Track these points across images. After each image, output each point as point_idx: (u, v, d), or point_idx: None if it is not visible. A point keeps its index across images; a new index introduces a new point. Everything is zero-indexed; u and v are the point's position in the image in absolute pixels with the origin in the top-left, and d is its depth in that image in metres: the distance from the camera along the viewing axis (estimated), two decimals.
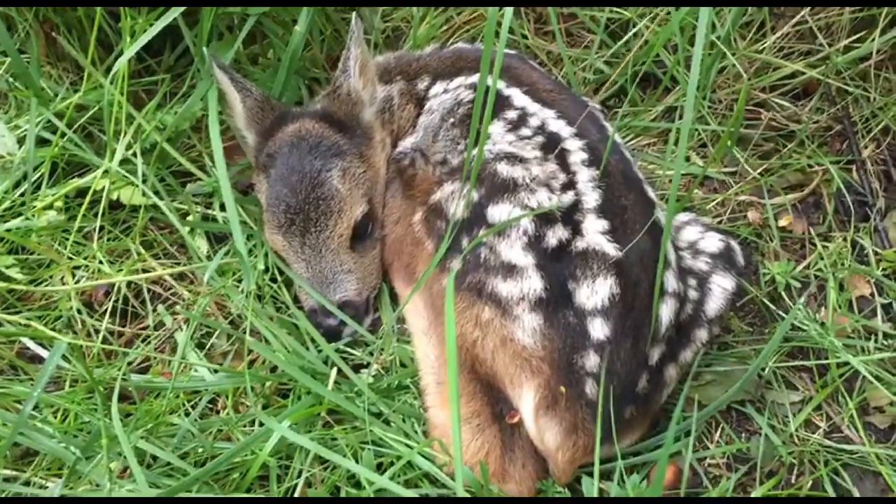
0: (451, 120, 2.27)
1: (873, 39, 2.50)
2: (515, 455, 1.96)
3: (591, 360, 1.90)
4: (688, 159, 2.64)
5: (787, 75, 2.67)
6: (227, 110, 2.41)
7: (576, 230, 1.99)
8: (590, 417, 1.91)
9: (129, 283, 2.33)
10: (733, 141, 2.56)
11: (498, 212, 2.02)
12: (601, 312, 1.91)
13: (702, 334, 2.11)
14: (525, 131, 2.18)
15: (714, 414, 2.13)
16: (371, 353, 2.23)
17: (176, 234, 2.45)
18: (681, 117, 2.68)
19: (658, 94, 2.73)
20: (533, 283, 1.93)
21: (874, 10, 2.55)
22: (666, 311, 1.99)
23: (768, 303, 2.35)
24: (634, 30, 2.68)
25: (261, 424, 2.05)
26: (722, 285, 2.14)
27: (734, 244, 2.24)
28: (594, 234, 1.98)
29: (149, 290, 2.35)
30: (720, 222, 2.48)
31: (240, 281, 2.30)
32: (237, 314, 2.27)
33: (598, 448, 1.85)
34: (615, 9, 2.75)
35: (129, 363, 2.22)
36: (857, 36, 2.61)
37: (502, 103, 2.23)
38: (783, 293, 2.37)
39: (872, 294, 2.38)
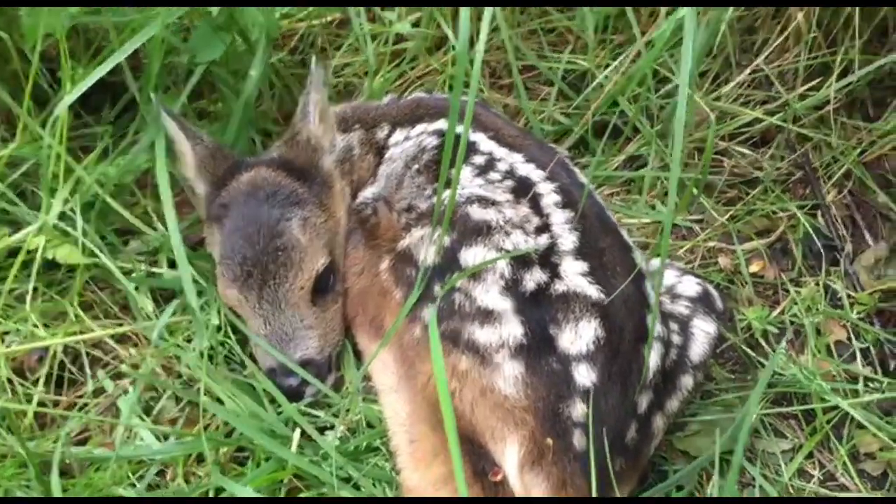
0: (416, 167, 2.17)
1: (829, 85, 2.51)
2: None
3: (578, 410, 1.77)
4: (653, 207, 2.59)
5: (745, 123, 2.67)
6: (175, 162, 2.26)
7: (554, 273, 1.89)
8: (579, 472, 1.77)
9: (65, 348, 2.12)
10: (700, 188, 2.52)
11: (472, 255, 1.91)
12: (586, 357, 1.79)
13: (687, 381, 2.00)
14: (494, 175, 2.09)
15: (704, 465, 2.01)
16: (335, 414, 2.05)
17: (118, 295, 2.27)
18: (643, 166, 2.64)
19: (619, 143, 2.69)
20: (512, 329, 1.81)
21: (828, 57, 2.58)
22: (654, 356, 1.89)
23: (748, 349, 2.27)
24: (594, 83, 2.66)
25: (217, 494, 1.86)
26: (704, 329, 2.05)
27: (711, 288, 2.16)
28: (574, 276, 1.88)
29: (88, 355, 2.14)
30: (691, 269, 2.41)
31: (190, 340, 2.12)
32: (187, 378, 2.08)
33: None
34: (573, 59, 2.72)
35: (66, 434, 2.00)
36: (812, 84, 2.63)
37: (469, 148, 2.14)
38: (761, 339, 2.30)
39: (849, 338, 2.32)
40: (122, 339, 2.19)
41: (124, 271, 2.24)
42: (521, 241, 1.92)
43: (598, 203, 2.13)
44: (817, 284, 2.42)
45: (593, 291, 1.85)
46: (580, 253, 1.92)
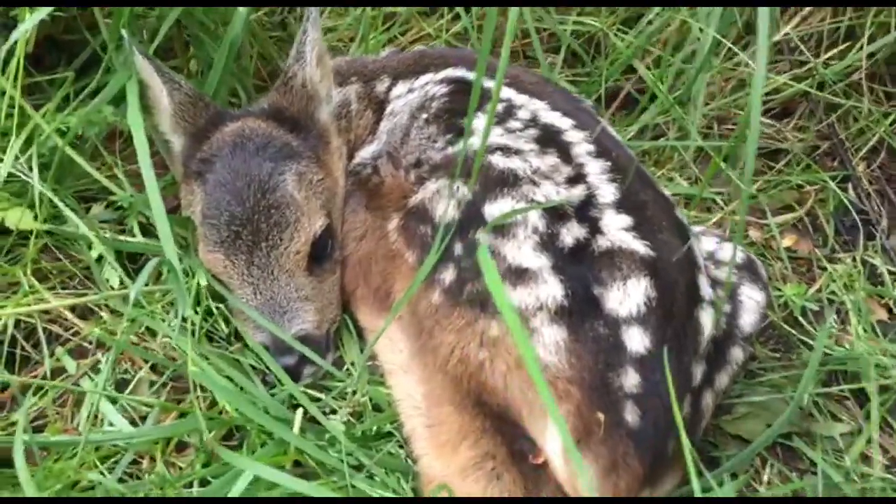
0: (424, 116, 1.92)
1: (860, 48, 2.34)
2: None
3: (631, 379, 1.52)
4: (671, 180, 2.38)
5: (767, 92, 2.48)
6: (148, 113, 1.97)
7: (594, 227, 1.65)
8: (632, 451, 1.52)
9: (17, 322, 1.81)
10: (727, 162, 2.31)
11: (497, 208, 1.66)
12: (637, 320, 1.55)
13: (737, 354, 1.77)
14: (514, 124, 1.85)
15: (759, 451, 1.77)
16: (338, 397, 1.77)
17: (78, 265, 1.96)
18: (658, 136, 2.43)
19: (634, 113, 2.48)
20: (551, 289, 1.56)
21: (854, 20, 2.41)
22: (706, 321, 1.65)
23: (788, 327, 2.06)
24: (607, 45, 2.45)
25: (203, 485, 1.55)
26: (753, 297, 1.83)
27: (754, 257, 1.95)
28: (617, 230, 1.64)
29: (45, 331, 1.83)
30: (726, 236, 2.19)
31: (168, 312, 1.82)
32: (160, 360, 1.77)
33: None
34: (581, 21, 2.50)
35: (14, 423, 1.68)
36: (836, 50, 2.46)
37: (484, 96, 1.90)
38: (800, 317, 2.09)
39: (892, 317, 2.13)
40: (83, 313, 1.88)
41: (86, 240, 1.94)
42: (553, 193, 1.68)
43: (631, 155, 1.90)
44: (854, 260, 2.23)
45: (640, 247, 1.61)
46: (622, 206, 1.68)
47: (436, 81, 2.00)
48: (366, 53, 2.51)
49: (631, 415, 1.52)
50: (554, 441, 1.53)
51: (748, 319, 1.80)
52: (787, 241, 2.25)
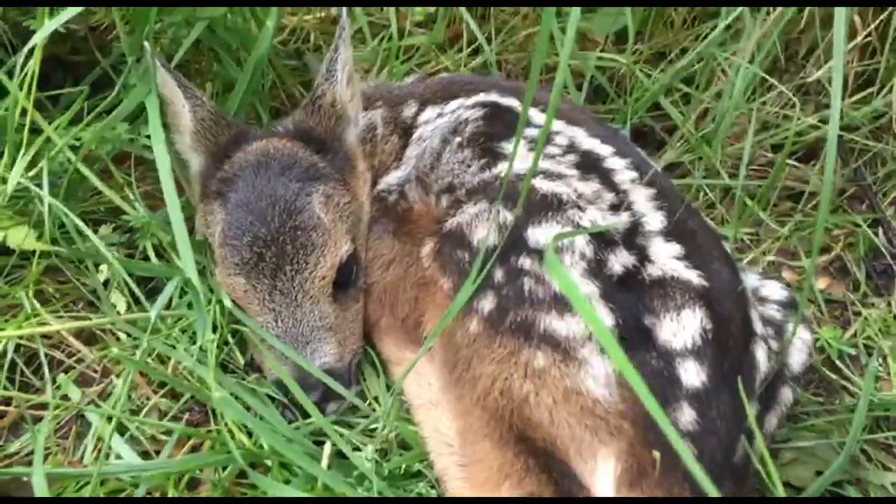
0: (458, 140, 1.84)
1: (890, 90, 2.30)
2: None
3: (686, 416, 1.43)
4: None
5: (794, 134, 2.43)
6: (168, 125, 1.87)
7: (643, 255, 1.57)
8: (688, 494, 1.41)
9: (17, 346, 1.67)
10: (759, 204, 2.24)
11: (542, 233, 1.57)
12: (693, 353, 1.46)
13: (787, 394, 1.67)
14: (552, 150, 1.78)
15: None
16: (362, 433, 1.65)
17: (83, 289, 1.84)
18: (684, 176, 2.37)
19: (654, 150, 2.43)
20: (600, 318, 1.47)
21: (880, 63, 2.38)
22: (761, 357, 1.57)
23: (827, 371, 1.97)
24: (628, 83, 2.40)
25: None
26: (802, 337, 1.73)
27: (796, 295, 1.88)
28: (667, 259, 1.56)
29: (47, 357, 1.70)
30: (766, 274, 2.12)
31: (177, 340, 1.70)
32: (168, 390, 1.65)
33: None
34: (606, 57, 2.45)
35: (13, 454, 1.55)
36: (864, 93, 2.43)
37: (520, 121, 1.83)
38: (837, 361, 2.01)
39: None
40: (88, 339, 1.75)
41: (94, 261, 1.82)
42: (600, 218, 1.60)
43: (672, 184, 1.83)
44: (888, 305, 2.15)
45: (693, 276, 1.53)
46: (671, 234, 1.60)
47: (468, 106, 1.93)
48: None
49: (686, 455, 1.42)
50: (604, 480, 1.42)
51: (797, 359, 1.70)
52: (821, 284, 2.18)
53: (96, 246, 1.80)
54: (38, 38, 1.62)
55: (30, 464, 1.53)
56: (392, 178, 1.94)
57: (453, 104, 1.97)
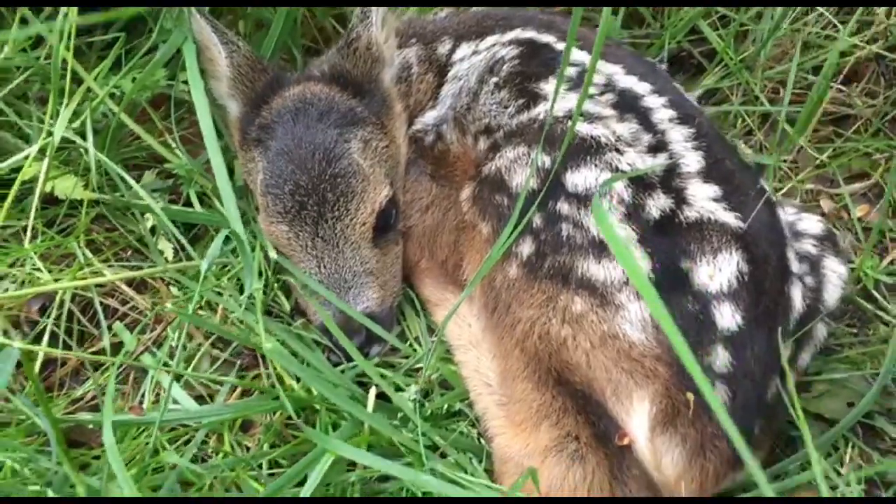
0: (495, 80, 1.83)
1: None
2: (628, 488, 1.48)
3: (721, 358, 1.47)
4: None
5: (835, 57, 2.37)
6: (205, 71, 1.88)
7: (680, 198, 1.57)
8: (721, 433, 1.46)
9: (73, 296, 1.74)
10: (797, 129, 2.21)
11: (581, 178, 1.58)
12: (729, 296, 1.48)
13: (821, 331, 1.70)
14: (590, 89, 1.77)
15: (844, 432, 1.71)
16: (406, 374, 1.71)
17: (132, 237, 1.90)
18: (722, 102, 2.34)
19: (693, 76, 2.39)
20: (637, 264, 1.49)
21: None
22: (797, 297, 1.59)
23: (863, 301, 1.98)
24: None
25: (272, 468, 1.50)
26: (836, 271, 1.74)
27: (832, 227, 1.88)
28: (705, 200, 1.57)
29: (102, 305, 1.77)
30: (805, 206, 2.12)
31: (224, 288, 1.76)
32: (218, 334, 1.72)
33: None
34: None
35: (78, 400, 1.63)
36: None
37: (557, 59, 1.82)
38: (873, 291, 2.02)
39: None
40: (138, 286, 1.82)
41: (142, 209, 1.87)
42: (639, 161, 1.60)
43: (711, 120, 1.82)
44: None
45: (731, 219, 1.54)
46: (709, 175, 1.61)
47: (503, 43, 1.91)
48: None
49: (721, 395, 1.46)
50: (640, 421, 1.47)
51: (832, 294, 1.72)
52: (859, 212, 2.17)
53: (140, 195, 1.87)
54: None
55: (93, 409, 1.63)
56: (428, 118, 1.94)
57: (489, 40, 1.95)
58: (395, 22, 1.95)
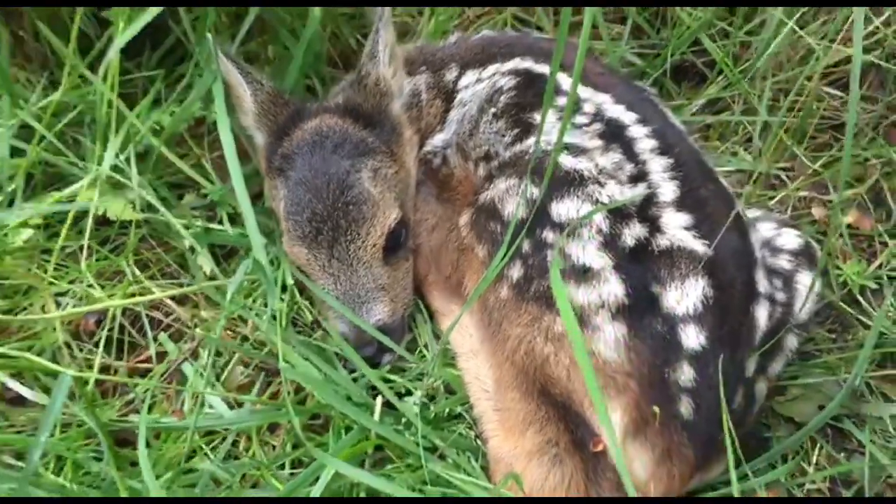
0: (493, 111, 2.00)
1: None
2: (602, 488, 1.68)
3: (686, 374, 1.64)
4: (735, 154, 2.42)
5: (834, 63, 2.46)
6: (232, 109, 2.10)
7: (654, 226, 1.73)
8: (686, 441, 1.64)
9: (123, 310, 2.00)
10: (795, 137, 2.33)
11: (564, 208, 1.75)
12: (694, 318, 1.65)
13: (792, 341, 1.85)
14: (580, 119, 1.92)
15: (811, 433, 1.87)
16: (413, 380, 1.93)
17: (173, 254, 2.14)
18: (722, 110, 2.47)
19: (696, 86, 2.52)
20: (612, 288, 1.67)
21: None
22: (762, 316, 1.74)
23: (845, 307, 2.12)
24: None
25: (294, 467, 1.74)
26: (809, 285, 1.89)
27: (812, 242, 2.01)
28: (677, 229, 1.72)
29: (147, 317, 2.02)
30: (787, 219, 2.24)
31: (254, 300, 1.99)
32: (253, 340, 1.95)
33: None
34: None
35: (129, 402, 1.89)
36: None
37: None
38: (858, 296, 2.14)
39: None
40: (181, 299, 2.06)
41: (181, 226, 2.10)
42: (617, 192, 1.76)
43: (693, 148, 1.96)
44: None
45: (699, 246, 1.70)
46: (682, 204, 1.76)
47: (503, 73, 2.07)
48: (435, 27, 2.59)
49: (685, 408, 1.64)
50: (614, 430, 1.66)
51: (805, 308, 1.87)
52: (849, 218, 2.28)
53: (182, 213, 2.12)
54: (116, 49, 1.84)
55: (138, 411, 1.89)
56: (437, 141, 2.12)
57: (490, 69, 2.11)
58: (402, 56, 2.13)
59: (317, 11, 2.09)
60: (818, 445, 1.88)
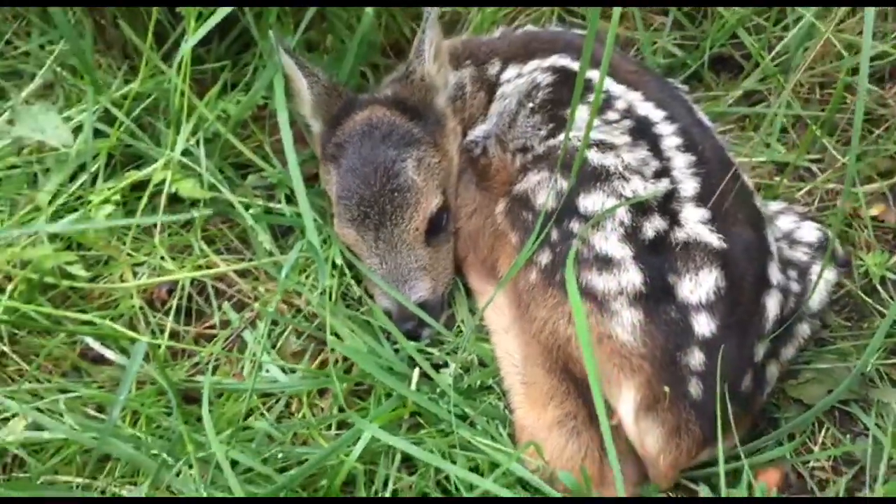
0: (531, 105, 2.15)
1: None
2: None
3: (696, 358, 1.78)
4: (767, 146, 2.52)
5: (873, 57, 2.53)
6: (291, 99, 2.29)
7: (674, 220, 1.87)
8: (693, 418, 1.80)
9: (192, 281, 2.22)
10: (822, 127, 2.42)
11: (591, 202, 1.90)
12: (706, 307, 1.79)
13: (804, 329, 1.99)
14: (611, 115, 2.06)
15: (818, 415, 2.00)
16: (449, 353, 2.11)
17: (237, 230, 2.35)
18: (759, 102, 2.57)
19: (735, 78, 2.61)
20: (631, 277, 1.82)
21: None
22: (772, 305, 1.87)
23: (864, 296, 2.22)
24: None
25: (339, 428, 1.95)
26: (825, 277, 2.00)
27: (831, 234, 2.11)
28: (694, 223, 1.86)
29: (213, 288, 2.24)
30: (809, 212, 2.35)
31: (308, 275, 2.20)
32: (308, 313, 2.16)
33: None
34: None
35: (195, 364, 2.12)
36: None
37: (584, 87, 2.10)
38: (878, 286, 2.24)
39: None
40: (243, 273, 2.27)
41: (243, 206, 2.31)
42: (640, 188, 1.90)
43: (719, 144, 2.08)
44: None
45: (714, 240, 1.83)
46: (701, 199, 1.89)
47: (542, 69, 2.21)
48: (486, 17, 2.73)
49: (694, 389, 1.78)
50: (627, 406, 1.82)
51: (817, 298, 1.99)
52: (875, 210, 2.36)
53: (245, 193, 2.33)
54: (187, 48, 2.04)
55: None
56: (478, 131, 2.28)
57: (531, 64, 2.26)
58: (447, 52, 2.28)
59: (370, 11, 2.25)
60: (825, 427, 2.01)
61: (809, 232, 2.08)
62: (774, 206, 2.19)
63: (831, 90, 2.55)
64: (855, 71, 2.55)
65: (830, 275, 2.03)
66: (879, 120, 2.52)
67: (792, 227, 2.10)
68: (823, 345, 2.14)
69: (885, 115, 2.50)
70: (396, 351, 2.06)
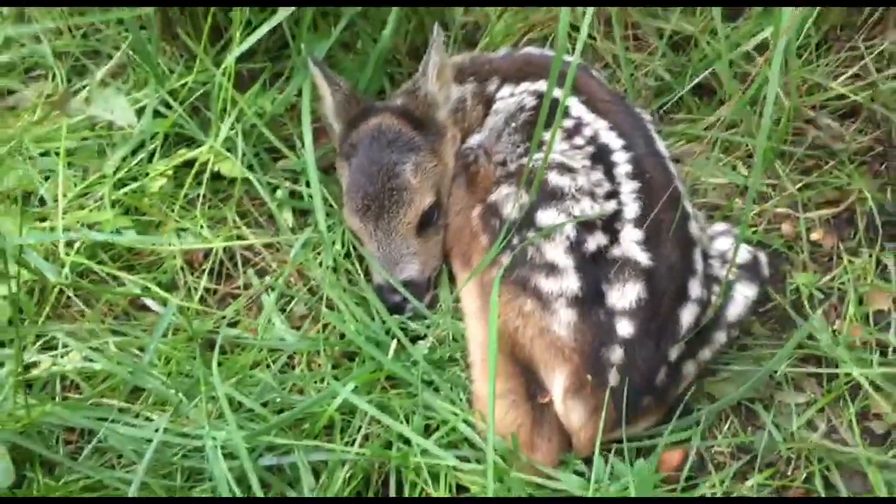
0: (513, 124, 2.54)
1: None
2: (543, 430, 2.25)
3: (616, 354, 2.17)
4: (734, 168, 2.86)
5: (836, 96, 2.84)
6: (318, 100, 2.72)
7: (614, 238, 2.26)
8: (611, 402, 2.20)
9: (224, 248, 2.69)
10: (776, 156, 2.75)
11: (546, 217, 2.29)
12: (629, 313, 2.18)
13: (720, 336, 2.35)
14: (578, 140, 2.44)
15: (725, 408, 2.37)
16: (428, 327, 2.54)
17: (266, 207, 2.80)
18: (729, 128, 2.90)
19: (714, 104, 2.95)
20: (571, 283, 2.21)
21: None
22: (687, 316, 2.24)
23: (791, 311, 2.56)
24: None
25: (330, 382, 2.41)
26: (744, 293, 2.36)
27: (761, 256, 2.46)
28: (629, 242, 2.24)
29: (241, 256, 2.71)
30: (755, 232, 2.69)
31: (320, 254, 2.64)
32: (315, 284, 2.61)
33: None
34: (680, 23, 2.94)
35: (221, 318, 2.59)
36: None
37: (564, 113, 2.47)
38: (806, 302, 2.58)
39: (889, 309, 2.56)
40: (267, 245, 2.73)
41: (272, 187, 2.76)
42: (588, 208, 2.27)
43: (669, 173, 2.44)
44: (871, 257, 2.64)
45: (643, 258, 2.21)
46: (640, 222, 2.27)
47: (529, 92, 2.60)
48: (501, 29, 3.10)
49: (613, 378, 2.18)
50: (557, 388, 2.22)
51: (734, 311, 2.35)
52: (816, 235, 2.69)
53: (276, 175, 2.79)
54: (233, 57, 2.48)
55: (231, 325, 2.58)
56: (473, 141, 2.67)
57: (522, 86, 2.65)
58: (452, 70, 2.67)
59: (388, 29, 2.65)
60: (730, 419, 2.39)
61: (741, 254, 2.43)
62: (719, 227, 2.54)
63: (798, 123, 2.86)
64: (821, 106, 2.88)
65: (750, 291, 2.38)
66: (835, 153, 2.83)
67: (728, 248, 2.45)
68: (744, 349, 2.50)
69: (840, 150, 2.81)
70: (384, 322, 2.50)
